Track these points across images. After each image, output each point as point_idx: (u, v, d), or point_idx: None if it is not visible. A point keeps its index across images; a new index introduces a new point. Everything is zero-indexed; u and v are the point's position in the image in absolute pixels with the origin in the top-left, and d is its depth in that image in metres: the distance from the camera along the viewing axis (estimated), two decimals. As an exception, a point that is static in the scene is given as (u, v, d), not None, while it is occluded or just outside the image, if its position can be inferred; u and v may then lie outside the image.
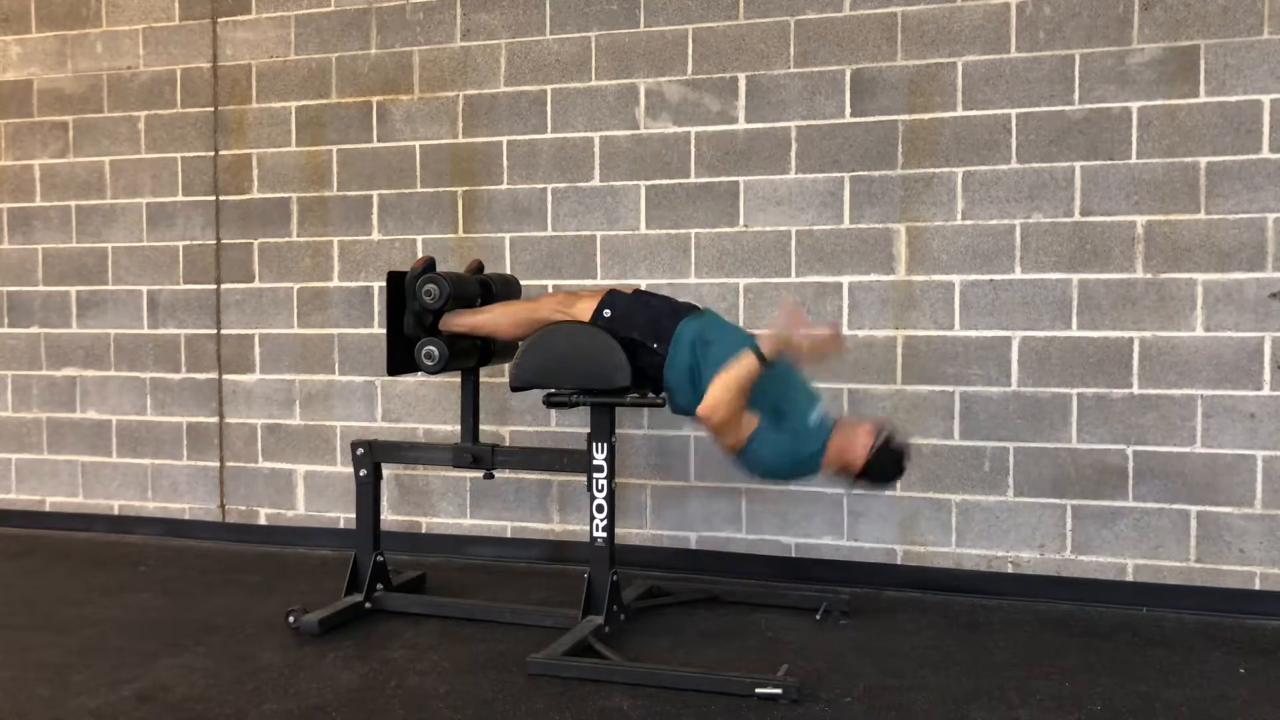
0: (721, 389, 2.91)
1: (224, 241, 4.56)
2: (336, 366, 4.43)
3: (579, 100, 4.10)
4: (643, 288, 3.32)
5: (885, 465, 2.99)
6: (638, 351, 3.12)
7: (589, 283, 4.06)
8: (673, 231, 4.00)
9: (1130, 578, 3.60)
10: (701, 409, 2.94)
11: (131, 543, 4.56)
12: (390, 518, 4.29)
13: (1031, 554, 3.69)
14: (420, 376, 4.25)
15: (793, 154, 3.88)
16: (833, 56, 3.83)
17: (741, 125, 3.93)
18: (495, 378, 4.13)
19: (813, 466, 3.03)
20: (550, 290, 4.03)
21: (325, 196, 4.42)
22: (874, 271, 3.81)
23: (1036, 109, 3.64)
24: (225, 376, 4.58)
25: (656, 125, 4.01)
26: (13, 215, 4.84)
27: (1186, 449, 3.55)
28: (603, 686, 2.83)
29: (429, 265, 3.35)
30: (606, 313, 3.15)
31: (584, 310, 3.19)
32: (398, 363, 3.34)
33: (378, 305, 4.35)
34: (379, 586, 3.53)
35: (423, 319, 3.33)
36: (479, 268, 3.63)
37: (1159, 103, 3.54)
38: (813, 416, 3.05)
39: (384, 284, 4.29)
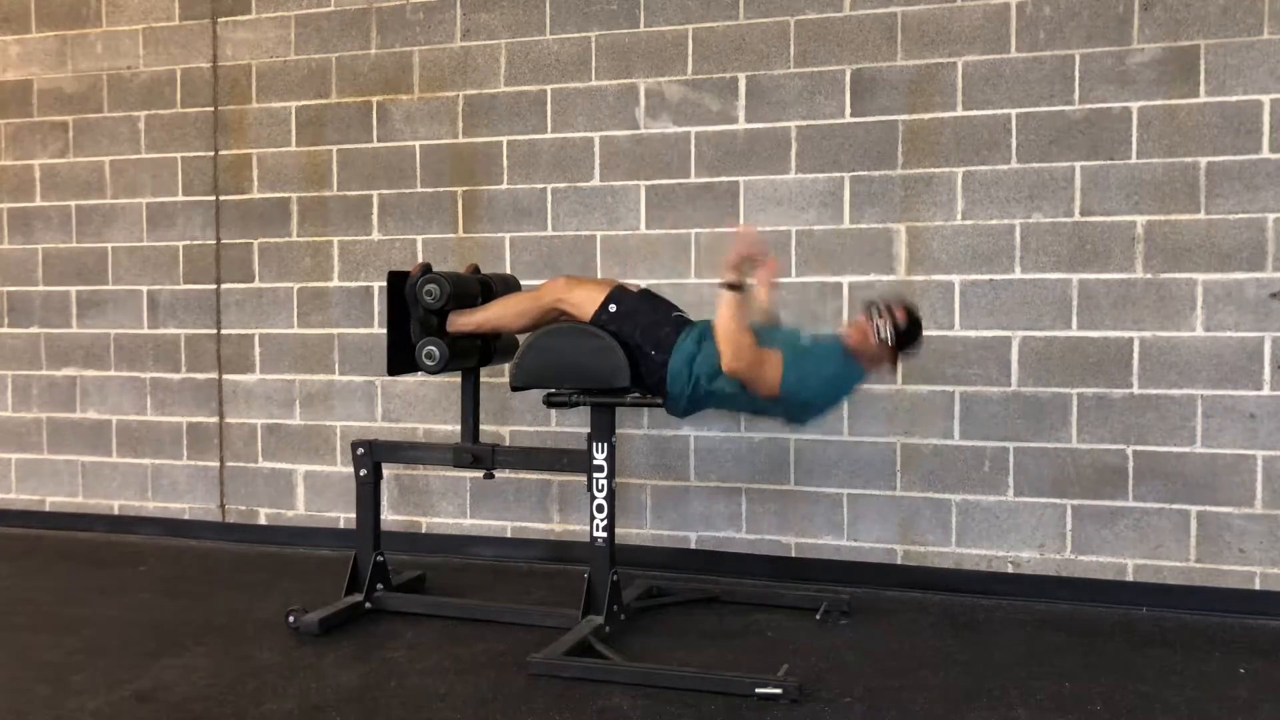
0: (725, 335, 2.96)
1: (224, 241, 4.56)
2: (336, 366, 4.43)
3: (579, 100, 4.10)
4: (649, 289, 3.30)
5: (910, 329, 3.04)
6: (636, 356, 3.12)
7: (589, 283, 4.06)
8: (673, 231, 4.00)
9: (1130, 578, 3.60)
10: (726, 363, 2.96)
11: (131, 543, 4.56)
12: (390, 518, 4.29)
13: (1031, 554, 3.69)
14: (420, 376, 4.25)
15: (793, 154, 3.88)
16: (833, 56, 3.83)
17: (741, 125, 3.93)
18: (495, 378, 4.13)
19: (854, 372, 3.08)
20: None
21: (325, 196, 4.42)
22: (874, 271, 3.81)
23: (1036, 109, 3.64)
24: (225, 376, 4.58)
25: (656, 125, 4.01)
26: (13, 215, 4.84)
27: (1186, 449, 3.55)
28: (603, 686, 2.83)
29: (426, 269, 3.35)
30: (612, 307, 3.14)
31: (586, 298, 3.17)
32: (398, 363, 3.34)
33: (378, 305, 4.35)
34: (379, 586, 3.52)
35: (428, 322, 3.33)
36: (476, 269, 3.64)
37: (1159, 103, 3.54)
38: (808, 339, 3.12)
39: (384, 284, 4.30)
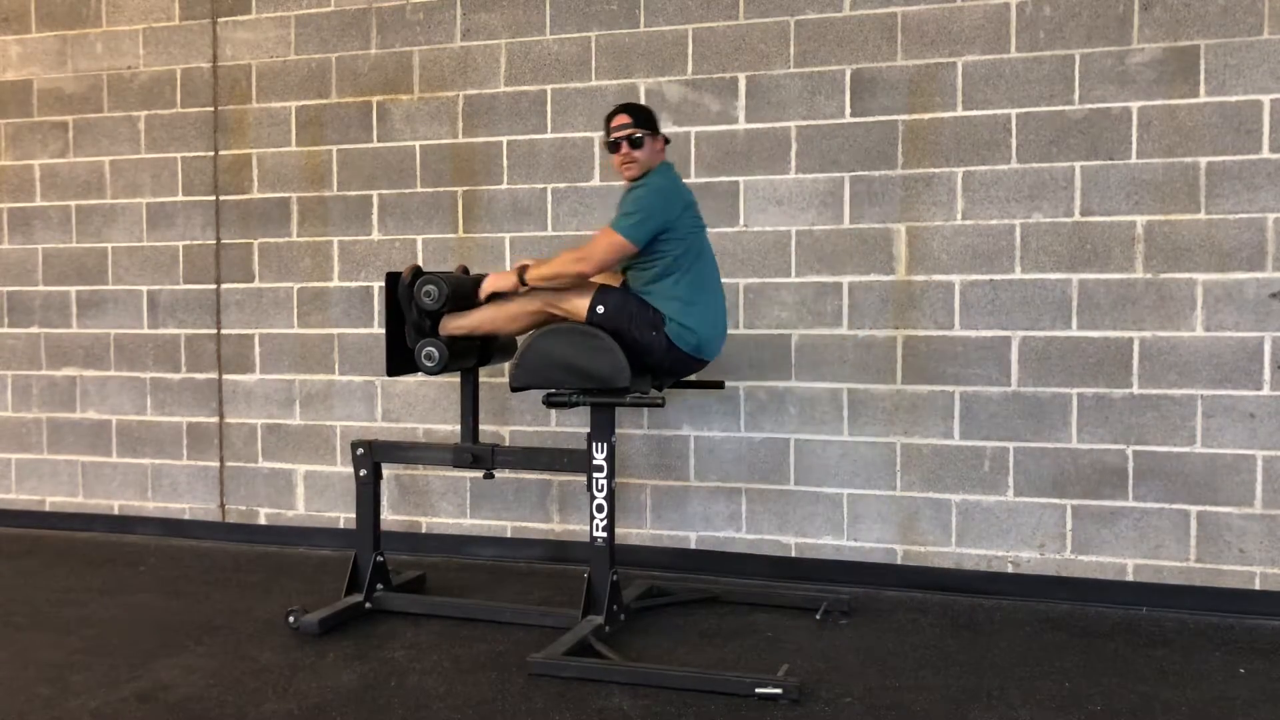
0: (561, 272, 3.18)
1: (224, 241, 4.56)
2: (336, 366, 4.43)
3: (579, 100, 4.10)
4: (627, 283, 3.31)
5: (613, 111, 3.30)
6: (637, 345, 3.13)
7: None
8: (673, 231, 4.00)
9: (1130, 578, 3.61)
10: (587, 272, 3.15)
11: (131, 543, 4.56)
12: (390, 518, 4.29)
13: (1031, 554, 3.69)
14: (420, 376, 4.25)
15: (793, 154, 3.88)
16: (833, 56, 3.83)
17: (741, 125, 3.93)
18: (495, 378, 4.14)
19: (663, 180, 3.26)
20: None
21: (325, 196, 4.42)
22: (874, 271, 3.81)
23: (1036, 109, 3.64)
24: (225, 376, 4.58)
25: (656, 125, 4.01)
26: (13, 215, 4.84)
27: (1186, 449, 3.55)
28: (603, 686, 2.83)
29: (417, 273, 3.33)
30: (600, 309, 3.15)
31: (574, 304, 3.19)
32: (397, 363, 3.34)
33: (378, 305, 4.35)
34: (379, 586, 3.53)
35: (421, 324, 3.33)
36: (465, 271, 3.63)
37: (1159, 103, 3.54)
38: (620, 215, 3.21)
39: (384, 284, 4.30)
